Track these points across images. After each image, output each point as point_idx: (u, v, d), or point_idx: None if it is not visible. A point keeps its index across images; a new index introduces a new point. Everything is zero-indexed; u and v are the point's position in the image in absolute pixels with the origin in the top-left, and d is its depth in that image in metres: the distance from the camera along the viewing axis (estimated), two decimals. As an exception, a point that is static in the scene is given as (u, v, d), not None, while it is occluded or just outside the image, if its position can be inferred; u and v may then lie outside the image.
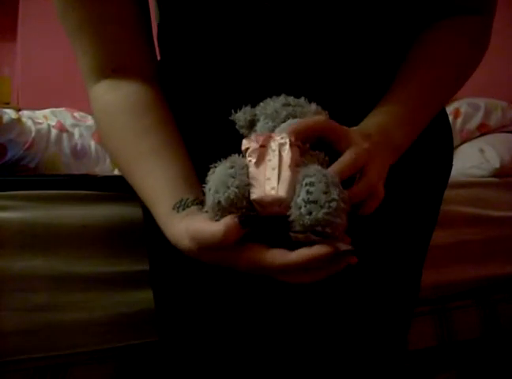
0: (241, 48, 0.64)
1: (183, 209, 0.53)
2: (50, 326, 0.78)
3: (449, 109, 1.78)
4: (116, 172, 1.60)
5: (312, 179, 0.46)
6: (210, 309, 0.61)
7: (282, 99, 0.55)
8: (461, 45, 0.66)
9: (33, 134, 1.55)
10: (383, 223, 0.61)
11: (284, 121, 0.53)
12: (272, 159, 0.48)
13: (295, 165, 0.48)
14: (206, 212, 0.49)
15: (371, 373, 0.63)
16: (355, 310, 0.61)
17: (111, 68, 0.63)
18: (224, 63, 0.65)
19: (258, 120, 0.56)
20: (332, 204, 0.45)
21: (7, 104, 2.47)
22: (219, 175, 0.47)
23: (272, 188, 0.46)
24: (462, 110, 1.79)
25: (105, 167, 1.70)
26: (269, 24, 0.62)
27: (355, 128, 0.56)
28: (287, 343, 0.59)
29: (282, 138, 0.49)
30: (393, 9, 0.65)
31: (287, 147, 0.48)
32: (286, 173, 0.47)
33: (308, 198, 0.45)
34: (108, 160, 1.71)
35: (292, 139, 0.49)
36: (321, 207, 0.45)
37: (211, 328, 0.61)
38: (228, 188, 0.46)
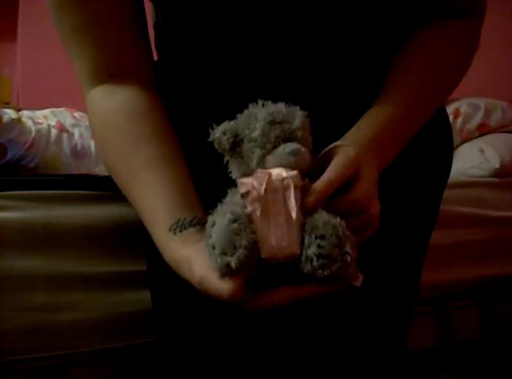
0: (236, 48, 0.64)
1: (180, 231, 0.52)
2: (49, 326, 0.78)
3: (449, 109, 1.78)
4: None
5: (322, 232, 0.44)
6: (207, 310, 0.61)
7: (264, 114, 0.50)
8: (450, 50, 0.66)
9: (33, 134, 1.54)
10: (382, 222, 0.61)
11: (275, 146, 0.49)
12: (276, 208, 0.46)
13: (301, 209, 0.46)
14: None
15: (371, 373, 0.63)
16: (355, 310, 0.61)
17: (108, 73, 0.62)
18: (220, 64, 0.65)
19: (241, 140, 0.51)
20: (345, 258, 0.44)
21: (7, 104, 2.47)
22: (222, 232, 0.45)
23: (283, 244, 0.45)
24: (462, 110, 1.79)
25: (105, 168, 1.70)
26: (264, 25, 0.62)
27: (347, 142, 0.55)
28: (285, 344, 0.59)
29: (284, 180, 0.46)
30: (383, 12, 0.65)
31: (291, 193, 0.46)
32: (295, 227, 0.45)
33: (320, 253, 0.44)
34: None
35: (296, 180, 0.47)
36: (334, 261, 0.44)
37: (208, 329, 0.61)
38: (236, 249, 0.44)
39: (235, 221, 0.45)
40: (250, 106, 0.53)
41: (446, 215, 1.12)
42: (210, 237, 0.46)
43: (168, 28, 0.68)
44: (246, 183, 0.47)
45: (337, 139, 0.56)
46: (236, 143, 0.51)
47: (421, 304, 1.17)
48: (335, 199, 0.49)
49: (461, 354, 1.25)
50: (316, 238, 0.44)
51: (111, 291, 0.83)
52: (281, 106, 0.51)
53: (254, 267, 0.45)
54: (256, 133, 0.50)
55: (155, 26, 0.71)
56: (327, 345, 0.60)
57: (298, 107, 0.52)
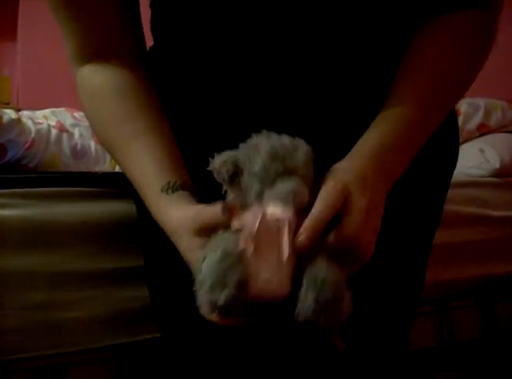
0: (232, 34, 0.62)
1: (172, 192, 0.53)
2: (50, 324, 0.78)
3: (449, 109, 1.78)
4: (116, 171, 1.60)
5: (322, 286, 0.44)
6: None
7: (267, 147, 0.49)
8: (462, 40, 0.63)
9: (33, 134, 1.54)
10: (386, 221, 0.61)
11: (274, 180, 0.48)
12: (269, 248, 0.45)
13: (294, 251, 0.45)
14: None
15: (373, 372, 0.62)
16: (357, 309, 0.61)
17: (93, 52, 0.63)
18: (216, 49, 0.64)
19: (241, 172, 0.50)
20: (340, 315, 0.45)
21: (7, 104, 2.47)
22: (212, 268, 0.44)
23: (273, 285, 0.44)
24: (462, 110, 1.79)
25: (105, 167, 1.70)
26: (261, 16, 0.61)
27: (346, 164, 0.54)
28: (287, 338, 0.59)
29: (279, 220, 0.45)
30: (389, 11, 0.64)
31: (285, 233, 0.45)
32: (286, 268, 0.45)
33: (317, 307, 0.44)
34: (108, 160, 1.71)
35: (291, 221, 0.46)
36: (329, 315, 0.44)
37: (206, 323, 0.61)
38: (224, 287, 0.43)
39: (225, 258, 0.44)
40: (254, 136, 0.51)
41: (446, 215, 1.12)
42: (200, 272, 0.45)
43: (163, 10, 0.67)
44: (240, 219, 0.46)
45: (343, 150, 0.56)
46: (235, 174, 0.50)
47: (422, 304, 1.16)
48: (323, 239, 0.48)
49: (461, 354, 1.25)
50: (315, 290, 0.44)
51: (112, 288, 0.83)
52: (285, 139, 0.50)
53: (242, 304, 0.44)
54: (257, 167, 0.48)
55: (151, 6, 0.71)
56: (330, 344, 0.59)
57: (302, 141, 0.51)
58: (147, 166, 0.57)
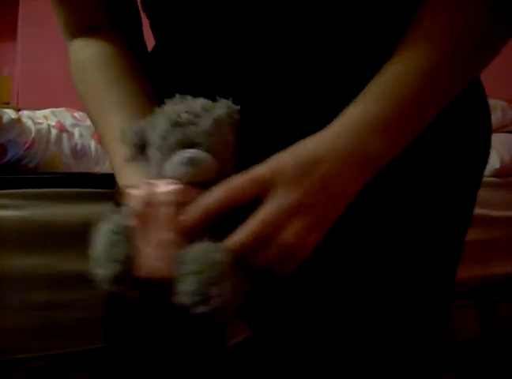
0: (227, 30, 0.60)
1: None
2: (50, 324, 0.78)
3: (449, 109, 1.78)
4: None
5: (200, 267, 0.40)
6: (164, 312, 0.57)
7: (170, 113, 0.45)
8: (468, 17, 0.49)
9: (33, 134, 1.54)
10: (419, 216, 0.59)
11: (174, 149, 0.44)
12: (156, 226, 0.42)
13: (184, 228, 0.42)
14: None
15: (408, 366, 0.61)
16: (392, 309, 0.59)
17: (82, 27, 0.65)
18: (213, 48, 0.62)
19: (148, 142, 0.46)
20: (221, 299, 0.40)
21: (7, 104, 2.47)
22: (103, 243, 0.42)
23: (158, 265, 0.42)
24: (462, 110, 1.79)
25: (105, 167, 1.70)
26: (254, 15, 0.59)
27: (304, 142, 0.47)
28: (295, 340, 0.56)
29: (168, 195, 0.42)
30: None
31: (172, 210, 0.42)
32: (172, 249, 0.42)
33: (195, 289, 0.40)
34: (108, 160, 1.71)
35: (182, 197, 0.42)
36: (209, 300, 0.40)
37: (164, 331, 0.59)
38: (112, 262, 0.42)
39: (116, 233, 0.42)
40: (167, 102, 0.47)
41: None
42: (93, 246, 0.44)
43: (152, 10, 0.67)
44: (130, 194, 0.44)
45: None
46: (143, 145, 0.47)
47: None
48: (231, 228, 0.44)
49: (461, 354, 1.25)
50: (193, 273, 0.40)
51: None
52: (198, 102, 0.46)
53: (129, 280, 0.43)
54: (156, 136, 0.45)
55: (143, 8, 0.71)
56: (367, 335, 0.57)
57: (222, 102, 0.46)
58: (116, 135, 0.56)
